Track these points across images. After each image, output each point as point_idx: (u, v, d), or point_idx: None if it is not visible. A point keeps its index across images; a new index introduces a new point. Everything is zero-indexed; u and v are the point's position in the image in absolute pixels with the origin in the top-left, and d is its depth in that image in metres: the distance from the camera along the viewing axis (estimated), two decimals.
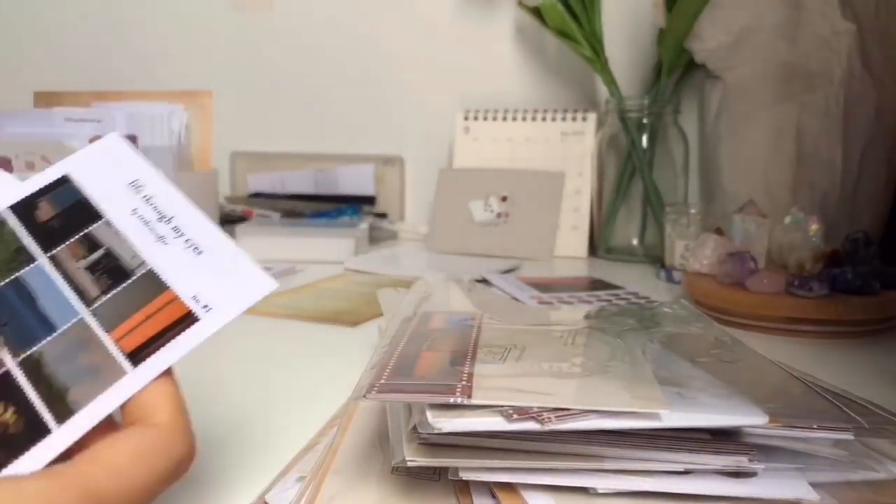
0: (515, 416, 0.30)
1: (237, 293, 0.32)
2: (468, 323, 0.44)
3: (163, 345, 0.30)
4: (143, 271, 0.32)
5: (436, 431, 0.30)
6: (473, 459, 0.31)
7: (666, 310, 0.53)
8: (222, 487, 0.36)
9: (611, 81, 1.01)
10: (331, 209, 1.16)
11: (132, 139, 0.87)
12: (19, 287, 0.31)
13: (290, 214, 1.16)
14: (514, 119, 1.09)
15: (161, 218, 0.35)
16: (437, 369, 0.34)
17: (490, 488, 0.32)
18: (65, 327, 0.30)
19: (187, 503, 0.35)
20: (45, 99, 1.04)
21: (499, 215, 1.04)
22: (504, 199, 1.04)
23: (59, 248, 0.33)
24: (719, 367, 0.39)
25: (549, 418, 0.30)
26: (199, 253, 0.33)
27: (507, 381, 0.34)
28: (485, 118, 1.11)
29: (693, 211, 0.86)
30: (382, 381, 0.32)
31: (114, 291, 0.31)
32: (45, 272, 0.32)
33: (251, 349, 0.62)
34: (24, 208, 0.34)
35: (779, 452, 0.32)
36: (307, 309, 0.71)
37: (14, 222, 0.33)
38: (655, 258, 0.94)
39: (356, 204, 1.19)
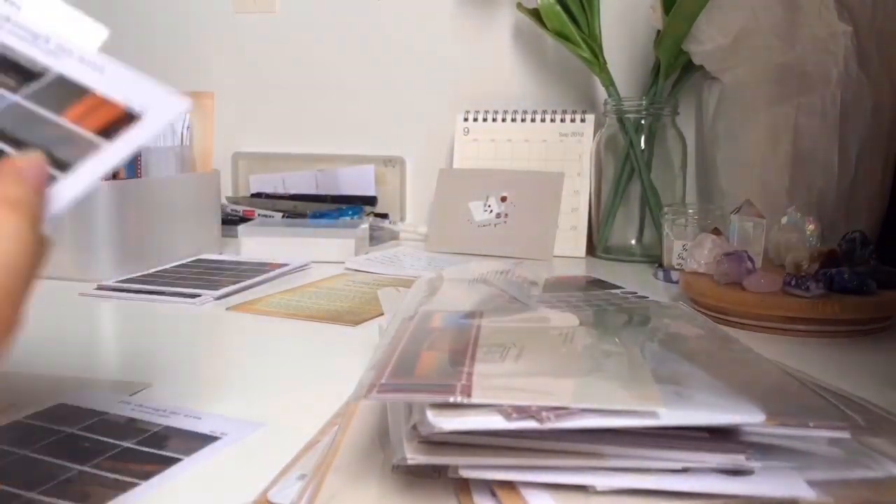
0: (515, 415, 0.30)
1: (160, 101, 0.29)
2: (468, 322, 0.44)
3: (125, 126, 0.27)
4: (54, 76, 0.29)
5: (436, 430, 0.30)
6: (473, 458, 0.31)
7: (664, 308, 0.54)
8: (224, 485, 0.37)
9: (609, 83, 1.01)
10: (332, 209, 1.16)
11: None
12: None
13: (291, 215, 1.17)
14: (514, 120, 1.10)
15: (36, 37, 0.30)
16: (436, 369, 0.35)
17: (490, 486, 0.32)
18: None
19: (189, 501, 0.35)
20: None
21: (498, 215, 1.04)
22: (504, 199, 1.05)
23: None
24: (716, 365, 0.39)
25: (548, 417, 0.30)
26: (102, 71, 0.30)
27: (507, 380, 0.34)
28: (484, 119, 1.11)
29: (691, 211, 0.86)
30: (383, 382, 0.33)
31: (36, 84, 0.28)
32: None
33: (252, 348, 0.62)
34: None
35: (776, 451, 0.32)
36: (308, 308, 0.71)
37: None
38: (653, 258, 0.94)
39: (357, 204, 1.19)
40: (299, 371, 0.56)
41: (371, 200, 1.22)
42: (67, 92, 0.29)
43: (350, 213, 1.15)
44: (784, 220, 0.74)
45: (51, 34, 0.30)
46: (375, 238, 1.10)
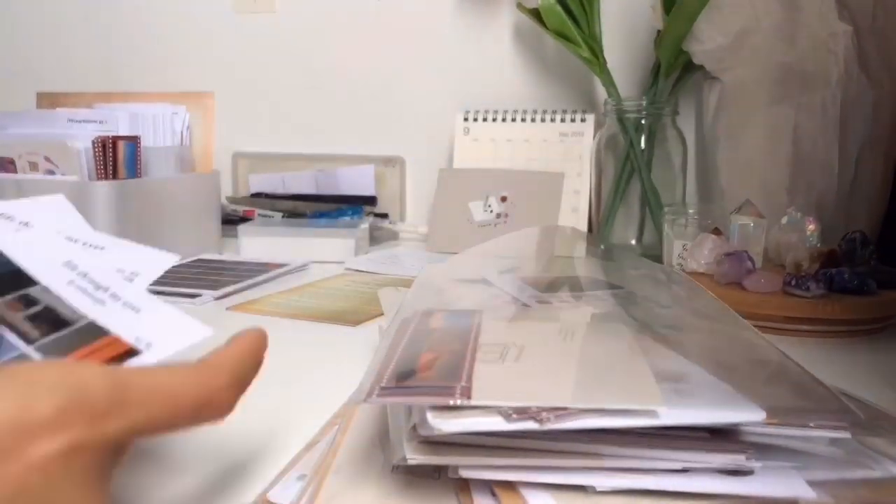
0: (514, 416, 0.30)
1: (176, 334, 0.33)
2: (468, 322, 0.44)
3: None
4: (85, 322, 0.32)
5: (436, 432, 0.30)
6: (473, 458, 0.31)
7: (664, 286, 0.53)
8: (224, 485, 0.37)
9: (609, 82, 1.01)
10: (332, 209, 1.16)
11: (135, 140, 0.88)
12: None
13: (291, 214, 1.17)
14: (514, 120, 1.10)
15: (98, 288, 0.34)
16: (436, 370, 0.35)
17: (490, 486, 0.32)
18: (4, 358, 0.30)
19: (189, 501, 0.35)
20: (49, 99, 1.05)
21: (498, 215, 1.04)
22: (504, 199, 1.05)
23: None
24: (717, 352, 0.39)
25: (547, 418, 0.30)
26: (138, 311, 0.34)
27: (507, 381, 0.34)
28: (484, 119, 1.11)
29: (691, 211, 0.86)
30: (383, 384, 0.32)
31: (56, 335, 0.31)
32: None
33: None
34: None
35: (776, 451, 0.32)
36: (307, 309, 0.71)
37: None
38: (654, 258, 0.94)
39: (357, 204, 1.19)
40: (299, 371, 0.56)
41: (371, 200, 1.22)
42: (85, 335, 0.31)
43: (350, 213, 1.15)
44: (784, 220, 0.74)
45: (111, 284, 0.34)
46: (375, 238, 1.10)
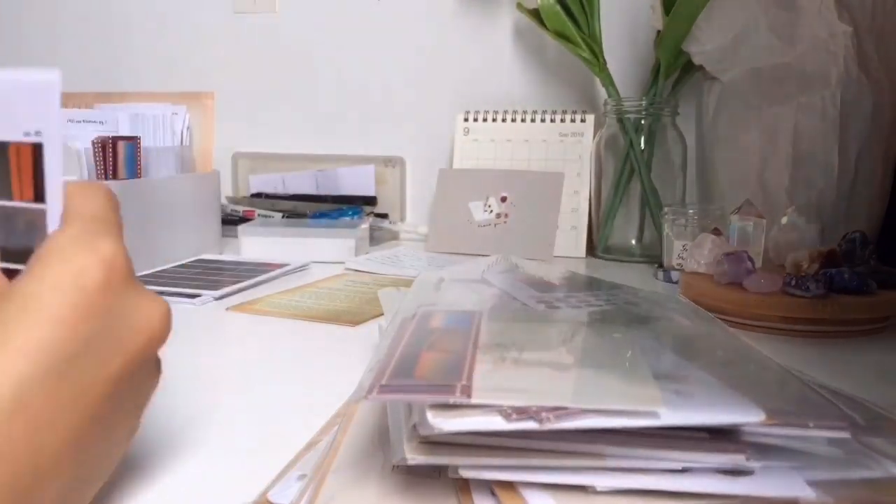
0: (514, 416, 0.30)
1: (40, 94, 0.34)
2: (468, 322, 0.44)
3: (42, 175, 0.33)
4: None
5: (435, 431, 0.30)
6: (473, 458, 0.31)
7: (663, 302, 0.54)
8: (224, 485, 0.37)
9: (609, 83, 1.01)
10: (332, 209, 1.16)
11: (135, 140, 0.88)
12: None
13: (291, 215, 1.17)
14: (514, 120, 1.10)
15: None
16: (437, 369, 0.35)
17: (490, 486, 0.32)
18: None
19: (189, 501, 0.35)
20: None
21: (498, 215, 1.04)
22: (504, 199, 1.05)
23: None
24: (716, 361, 0.39)
25: (547, 417, 0.30)
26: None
27: (507, 381, 0.34)
28: (484, 119, 1.11)
29: (691, 211, 0.86)
30: (383, 383, 0.32)
31: None
32: None
33: (252, 349, 0.62)
34: None
35: (776, 451, 0.32)
36: (307, 309, 0.71)
37: None
38: (653, 258, 0.94)
39: (357, 204, 1.19)
40: (299, 371, 0.56)
41: (371, 200, 1.22)
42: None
43: (350, 213, 1.15)
44: (784, 220, 0.74)
45: None
46: (375, 238, 1.10)
